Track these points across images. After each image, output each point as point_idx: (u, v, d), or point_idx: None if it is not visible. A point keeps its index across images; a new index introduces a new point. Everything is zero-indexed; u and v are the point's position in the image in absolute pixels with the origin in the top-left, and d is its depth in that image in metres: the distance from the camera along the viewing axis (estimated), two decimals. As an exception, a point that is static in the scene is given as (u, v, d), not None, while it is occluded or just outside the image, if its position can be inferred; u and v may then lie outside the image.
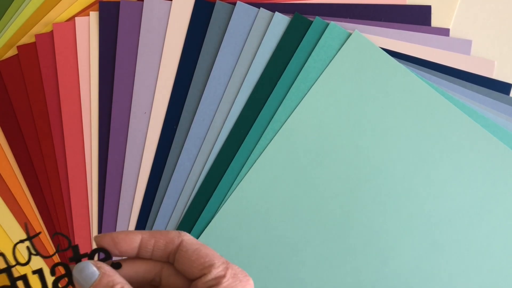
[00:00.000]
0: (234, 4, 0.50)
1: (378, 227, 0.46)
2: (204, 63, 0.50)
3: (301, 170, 0.47)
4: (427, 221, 0.45)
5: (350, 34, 0.48)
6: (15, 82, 0.51)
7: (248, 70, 0.49)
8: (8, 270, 0.29)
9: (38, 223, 0.51)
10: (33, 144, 0.51)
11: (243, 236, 0.46)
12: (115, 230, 0.49)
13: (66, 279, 0.29)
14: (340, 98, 0.47)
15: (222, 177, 0.48)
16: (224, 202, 0.48)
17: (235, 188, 0.47)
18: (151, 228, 0.49)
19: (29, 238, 0.30)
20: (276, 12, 0.49)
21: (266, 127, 0.48)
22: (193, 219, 0.48)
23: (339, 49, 0.48)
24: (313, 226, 0.46)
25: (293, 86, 0.48)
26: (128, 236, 0.29)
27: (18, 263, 0.29)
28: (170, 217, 0.49)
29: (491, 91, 0.48)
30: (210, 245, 0.47)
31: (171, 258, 0.29)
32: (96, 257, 0.30)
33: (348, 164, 0.47)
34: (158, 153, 0.50)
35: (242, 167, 0.48)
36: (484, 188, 0.45)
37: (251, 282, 0.28)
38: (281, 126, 0.48)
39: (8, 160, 0.51)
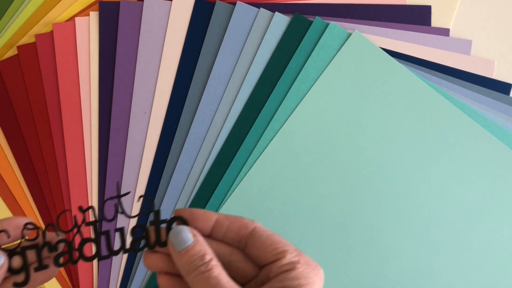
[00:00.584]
0: (234, 4, 0.50)
1: (378, 227, 0.46)
2: (204, 63, 0.50)
3: (301, 170, 0.47)
4: (427, 221, 0.45)
5: (350, 34, 0.48)
6: (15, 82, 0.51)
7: (248, 70, 0.49)
8: (95, 223, 0.30)
9: (38, 223, 0.51)
10: (33, 144, 0.50)
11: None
12: (115, 231, 0.49)
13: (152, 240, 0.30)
14: (340, 98, 0.47)
15: (222, 177, 0.48)
16: (224, 202, 0.47)
17: (235, 188, 0.47)
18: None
19: (119, 196, 0.31)
20: (276, 12, 0.49)
21: (266, 127, 0.48)
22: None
23: (339, 49, 0.48)
24: (313, 225, 0.46)
25: (293, 86, 0.48)
26: (205, 213, 0.30)
27: (104, 219, 0.30)
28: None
29: (491, 91, 0.48)
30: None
31: (242, 243, 0.30)
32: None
33: (348, 164, 0.47)
34: (158, 153, 0.49)
35: (242, 167, 0.48)
36: (484, 187, 0.45)
37: (322, 271, 0.29)
38: (281, 126, 0.48)
39: (8, 160, 0.51)
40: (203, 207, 0.48)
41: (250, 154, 0.48)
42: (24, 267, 0.30)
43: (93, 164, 0.50)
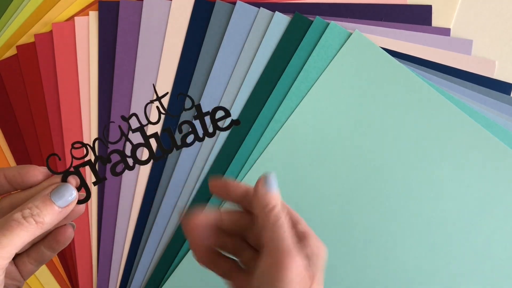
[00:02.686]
0: (234, 3, 0.50)
1: (378, 227, 0.45)
2: (204, 63, 0.50)
3: (301, 169, 0.47)
4: (428, 221, 0.45)
5: (350, 34, 0.48)
6: (14, 82, 0.51)
7: (248, 70, 0.49)
8: (141, 128, 0.32)
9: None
10: (32, 144, 0.50)
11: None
12: (114, 229, 0.49)
13: None
14: (341, 98, 0.47)
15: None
16: (224, 202, 0.47)
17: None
18: (150, 229, 0.49)
19: (158, 98, 0.32)
20: (276, 12, 0.49)
21: (266, 127, 0.48)
22: (193, 219, 0.48)
23: (340, 49, 0.48)
24: (313, 226, 0.46)
25: (293, 86, 0.48)
26: (235, 184, 0.34)
27: (149, 122, 0.32)
28: (170, 216, 0.48)
29: (491, 91, 0.47)
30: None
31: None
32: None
33: (348, 164, 0.46)
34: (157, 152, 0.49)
35: (242, 167, 0.48)
36: (485, 188, 0.45)
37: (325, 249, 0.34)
38: (281, 126, 0.47)
39: (7, 160, 0.51)
40: (204, 207, 0.48)
41: (250, 154, 0.48)
42: (83, 184, 0.32)
43: (92, 164, 0.50)
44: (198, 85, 0.49)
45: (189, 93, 0.49)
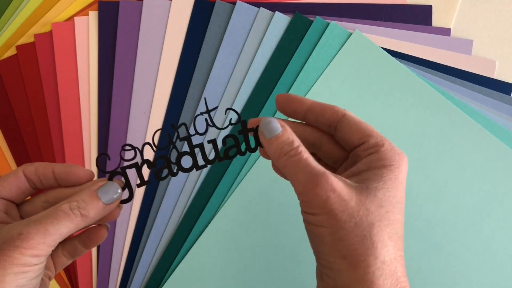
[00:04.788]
0: (234, 3, 0.50)
1: None
2: (204, 63, 0.50)
3: None
4: (428, 221, 0.45)
5: (350, 34, 0.48)
6: (14, 82, 0.51)
7: (248, 70, 0.49)
8: (189, 138, 0.34)
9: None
10: (32, 144, 0.50)
11: (243, 236, 0.46)
12: (114, 230, 0.49)
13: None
14: (341, 98, 0.47)
15: (222, 177, 0.48)
16: (224, 203, 0.47)
17: (235, 188, 0.47)
18: (150, 229, 0.48)
19: (208, 111, 0.34)
20: (276, 12, 0.49)
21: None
22: (193, 219, 0.48)
23: (340, 49, 0.48)
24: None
25: (293, 85, 0.48)
26: (301, 98, 0.34)
27: (197, 133, 0.34)
28: (170, 217, 0.48)
29: (492, 91, 0.47)
30: (210, 245, 0.47)
31: (332, 128, 0.33)
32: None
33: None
34: (157, 153, 0.49)
35: (242, 167, 0.48)
36: (485, 187, 0.45)
37: (406, 158, 0.31)
38: None
39: (7, 160, 0.51)
40: (203, 207, 0.48)
41: (250, 154, 0.48)
42: (127, 185, 0.33)
43: (92, 164, 0.50)
44: (198, 85, 0.49)
45: (188, 93, 0.49)
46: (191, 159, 0.34)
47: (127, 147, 0.33)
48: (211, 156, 0.34)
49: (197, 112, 0.35)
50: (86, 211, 0.31)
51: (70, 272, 0.50)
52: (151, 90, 0.50)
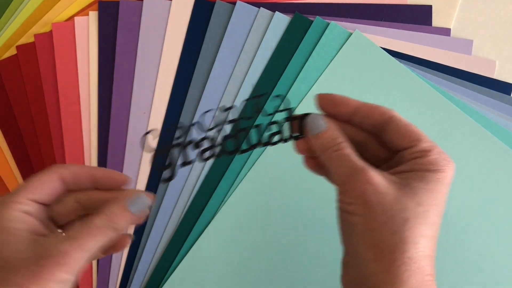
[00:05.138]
0: (234, 3, 0.50)
1: None
2: (204, 63, 0.50)
3: (302, 168, 0.47)
4: None
5: (350, 34, 0.48)
6: (14, 82, 0.51)
7: (248, 70, 0.49)
8: (236, 121, 0.35)
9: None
10: (32, 144, 0.50)
11: (244, 236, 0.46)
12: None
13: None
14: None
15: (222, 177, 0.48)
16: (224, 203, 0.47)
17: (236, 188, 0.47)
18: (150, 229, 0.48)
19: (257, 97, 0.35)
20: (276, 12, 0.49)
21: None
22: (193, 219, 0.48)
23: (340, 49, 0.48)
24: (313, 225, 0.46)
25: (293, 85, 0.48)
26: (346, 99, 0.34)
27: (244, 117, 0.35)
28: (170, 216, 0.48)
29: (492, 91, 0.47)
30: (210, 245, 0.47)
31: (378, 129, 0.33)
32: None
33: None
34: (157, 153, 0.49)
35: (243, 167, 0.48)
36: (485, 188, 0.45)
37: (454, 164, 0.32)
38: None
39: (7, 160, 0.51)
40: (203, 207, 0.48)
41: (251, 154, 0.48)
42: (171, 164, 0.34)
43: (92, 164, 0.50)
44: (198, 85, 0.49)
45: (188, 93, 0.49)
46: (235, 142, 0.35)
47: (174, 126, 0.34)
48: (255, 140, 0.35)
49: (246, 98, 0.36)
50: (117, 224, 0.32)
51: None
52: (151, 90, 0.50)
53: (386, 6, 0.50)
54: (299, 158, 0.47)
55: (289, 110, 0.35)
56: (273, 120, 0.36)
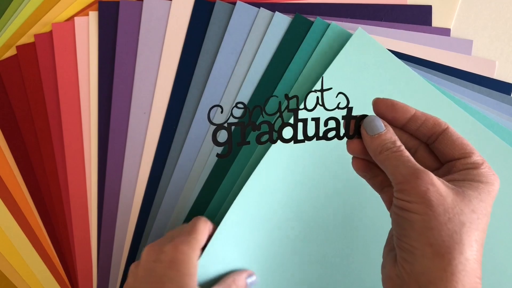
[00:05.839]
0: (234, 4, 0.50)
1: (379, 227, 0.45)
2: (204, 63, 0.50)
3: (303, 170, 0.47)
4: None
5: (351, 35, 0.48)
6: (14, 82, 0.51)
7: (248, 70, 0.49)
8: (296, 110, 0.35)
9: (37, 223, 0.50)
10: (32, 145, 0.50)
11: (247, 237, 0.46)
12: (115, 230, 0.49)
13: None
14: (343, 97, 0.47)
15: (223, 178, 0.48)
16: (226, 205, 0.47)
17: (237, 189, 0.47)
18: (151, 228, 0.48)
19: (322, 91, 0.36)
20: (276, 12, 0.49)
21: (267, 127, 0.48)
22: (196, 215, 0.47)
23: (341, 48, 0.48)
24: (315, 226, 0.46)
25: (295, 86, 0.48)
26: (405, 106, 0.35)
27: (305, 108, 0.35)
28: (171, 216, 0.48)
29: (492, 91, 0.47)
30: (211, 245, 0.47)
31: (432, 138, 0.35)
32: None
33: (349, 162, 0.46)
34: (157, 153, 0.49)
35: (244, 168, 0.48)
36: None
37: (499, 180, 0.33)
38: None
39: (7, 161, 0.51)
40: (205, 208, 0.48)
41: (252, 155, 0.48)
42: (229, 140, 0.35)
43: (92, 164, 0.50)
44: (198, 85, 0.49)
45: (189, 93, 0.49)
46: (292, 131, 0.36)
47: (240, 105, 0.35)
48: (311, 133, 0.36)
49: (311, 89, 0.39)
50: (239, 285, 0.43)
51: (70, 272, 0.50)
52: (151, 90, 0.50)
53: (386, 6, 0.50)
54: (301, 157, 0.47)
55: (349, 108, 0.36)
56: (331, 116, 0.36)
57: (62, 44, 0.51)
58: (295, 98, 0.35)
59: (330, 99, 0.37)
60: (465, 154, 0.34)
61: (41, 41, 0.51)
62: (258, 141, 0.35)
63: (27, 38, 0.52)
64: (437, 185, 0.31)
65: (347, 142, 0.37)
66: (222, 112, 0.38)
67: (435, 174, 0.34)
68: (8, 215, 0.50)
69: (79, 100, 0.50)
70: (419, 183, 0.31)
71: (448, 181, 0.33)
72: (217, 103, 0.49)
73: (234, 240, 0.46)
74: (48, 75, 0.50)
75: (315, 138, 0.36)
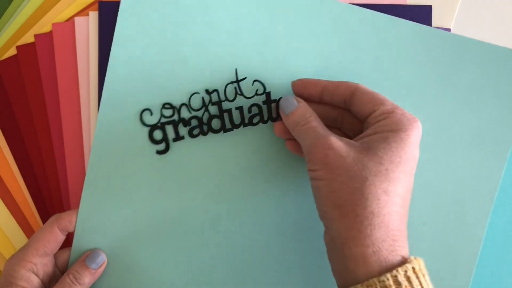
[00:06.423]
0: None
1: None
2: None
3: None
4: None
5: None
6: (14, 82, 0.51)
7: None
8: (219, 103, 0.39)
9: (37, 223, 0.50)
10: (32, 144, 0.50)
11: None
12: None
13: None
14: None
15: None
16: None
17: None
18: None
19: (238, 81, 0.39)
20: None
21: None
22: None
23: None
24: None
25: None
26: (315, 80, 0.37)
27: (227, 99, 0.39)
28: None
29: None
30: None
31: (347, 103, 0.36)
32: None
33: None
34: (157, 153, 0.49)
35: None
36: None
37: (419, 123, 0.33)
38: None
39: (7, 161, 0.51)
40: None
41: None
42: (164, 139, 0.39)
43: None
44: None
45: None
46: (220, 122, 0.39)
47: (167, 106, 0.39)
48: (237, 121, 0.39)
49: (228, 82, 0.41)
50: (82, 280, 0.40)
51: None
52: (151, 90, 0.50)
53: (386, 6, 0.50)
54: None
55: (267, 93, 0.39)
56: (253, 103, 0.39)
57: (62, 44, 0.51)
58: (215, 92, 0.38)
59: (248, 87, 0.40)
60: (374, 107, 0.34)
61: (41, 41, 0.51)
62: (191, 135, 0.39)
63: (27, 38, 0.52)
64: (336, 148, 0.31)
65: (273, 125, 0.38)
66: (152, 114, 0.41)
67: (359, 136, 0.34)
68: (8, 215, 0.50)
69: (79, 100, 0.50)
70: (318, 150, 0.32)
71: (361, 138, 0.33)
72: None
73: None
74: (48, 74, 0.50)
75: (242, 126, 0.39)
